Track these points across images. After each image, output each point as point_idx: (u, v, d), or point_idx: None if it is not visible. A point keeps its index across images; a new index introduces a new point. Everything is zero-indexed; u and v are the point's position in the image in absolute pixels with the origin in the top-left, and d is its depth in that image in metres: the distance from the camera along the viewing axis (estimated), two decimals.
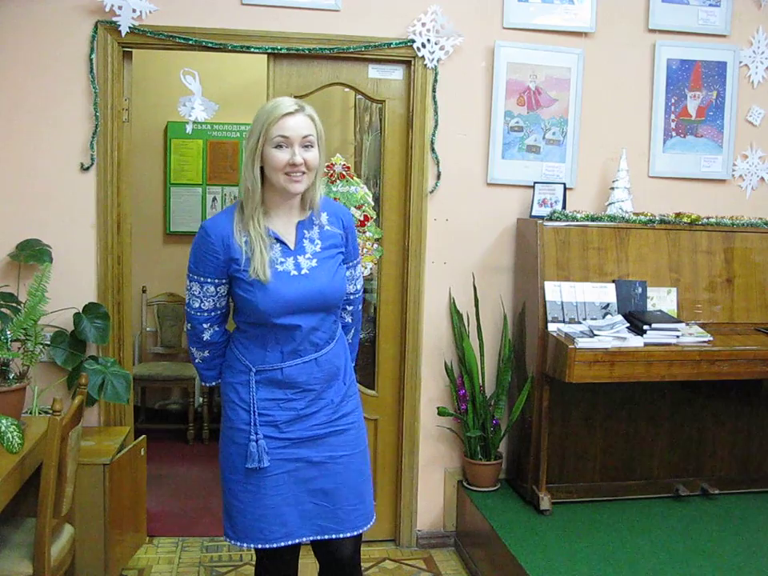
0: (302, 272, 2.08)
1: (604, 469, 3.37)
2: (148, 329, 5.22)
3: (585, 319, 3.11)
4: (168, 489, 4.16)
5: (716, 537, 3.01)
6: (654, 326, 3.01)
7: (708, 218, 3.41)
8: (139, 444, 3.22)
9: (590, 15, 3.47)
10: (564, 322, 3.11)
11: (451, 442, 3.56)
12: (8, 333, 2.68)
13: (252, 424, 2.10)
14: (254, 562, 3.31)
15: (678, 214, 3.37)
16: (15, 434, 2.31)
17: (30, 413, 2.95)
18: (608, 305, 3.17)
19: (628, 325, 3.05)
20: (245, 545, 2.14)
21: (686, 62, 3.59)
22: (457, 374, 3.48)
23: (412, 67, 3.36)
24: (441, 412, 3.41)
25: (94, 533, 2.86)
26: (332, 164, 3.37)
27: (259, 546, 2.13)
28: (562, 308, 3.13)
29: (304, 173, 2.03)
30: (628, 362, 2.95)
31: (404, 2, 3.32)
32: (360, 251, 2.95)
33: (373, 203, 3.43)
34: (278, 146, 2.01)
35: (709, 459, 3.48)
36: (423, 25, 3.31)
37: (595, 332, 2.96)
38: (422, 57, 3.33)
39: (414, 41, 3.31)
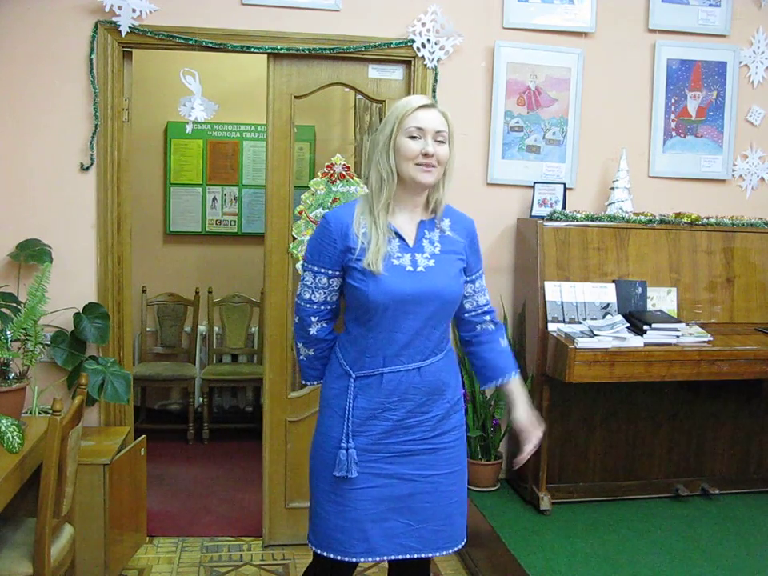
0: (418, 269, 2.03)
1: (604, 469, 3.37)
2: (148, 329, 5.22)
3: (585, 319, 3.11)
4: (168, 489, 4.15)
5: (716, 537, 3.01)
6: (654, 325, 3.01)
7: (708, 218, 3.41)
8: (139, 444, 3.22)
9: (590, 15, 3.47)
10: (564, 321, 3.11)
11: None
12: (8, 333, 2.68)
13: (344, 433, 2.03)
14: (254, 562, 3.33)
15: (677, 214, 3.37)
16: (15, 434, 2.31)
17: (30, 413, 2.95)
18: (608, 305, 3.17)
19: (628, 325, 3.05)
20: (324, 553, 2.07)
21: (686, 62, 3.59)
22: None
23: (412, 67, 3.36)
24: None
25: (94, 533, 2.86)
26: (332, 164, 3.37)
27: (338, 558, 2.05)
28: (562, 308, 3.13)
29: (434, 166, 2.00)
30: (628, 362, 2.95)
31: (404, 2, 3.32)
32: None
33: None
34: (411, 137, 1.99)
35: (709, 459, 3.48)
36: (423, 25, 3.31)
37: (595, 332, 2.96)
38: (422, 57, 3.33)
39: (413, 41, 3.31)
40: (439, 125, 2.01)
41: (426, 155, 1.98)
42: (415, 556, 2.09)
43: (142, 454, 3.24)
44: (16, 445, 2.30)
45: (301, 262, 2.08)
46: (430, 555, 2.11)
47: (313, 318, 2.13)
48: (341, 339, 2.14)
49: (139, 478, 3.22)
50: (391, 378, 2.03)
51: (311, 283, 2.09)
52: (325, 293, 2.09)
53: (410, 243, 2.05)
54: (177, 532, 3.63)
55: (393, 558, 2.09)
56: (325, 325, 2.15)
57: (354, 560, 2.06)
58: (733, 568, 2.75)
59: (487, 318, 2.23)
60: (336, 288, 2.10)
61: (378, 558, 2.08)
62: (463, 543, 2.19)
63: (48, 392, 3.06)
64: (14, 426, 2.32)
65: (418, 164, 1.99)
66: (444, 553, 2.14)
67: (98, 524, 2.86)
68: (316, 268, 2.07)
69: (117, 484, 2.96)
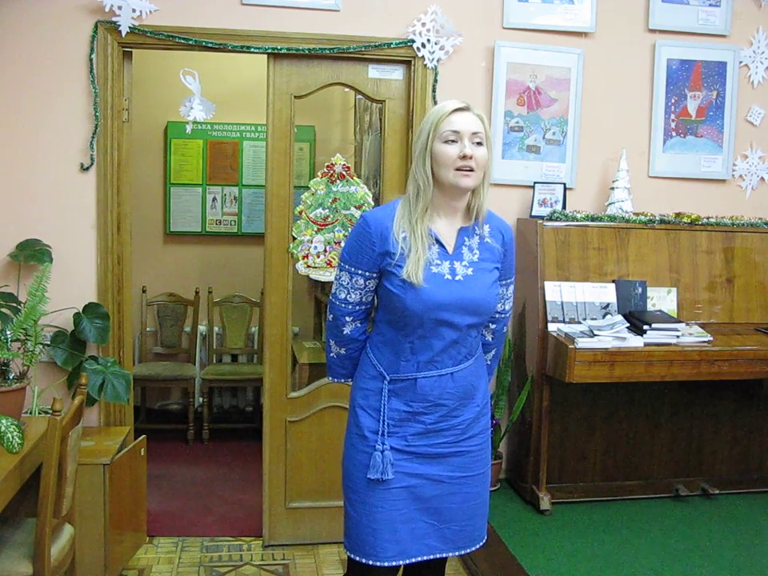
0: (456, 278, 2.01)
1: (604, 469, 3.37)
2: (148, 329, 5.22)
3: (585, 319, 3.11)
4: (168, 489, 4.15)
5: (716, 537, 3.01)
6: (654, 326, 3.02)
7: (708, 218, 3.41)
8: (139, 444, 3.22)
9: (590, 15, 3.47)
10: (564, 322, 3.11)
11: None
12: (8, 333, 2.68)
13: (380, 434, 2.03)
14: (254, 562, 3.33)
15: (677, 214, 3.37)
16: (15, 433, 2.31)
17: (30, 413, 2.95)
18: (608, 305, 3.17)
19: (628, 325, 3.05)
20: (357, 557, 2.06)
21: (685, 62, 3.59)
22: None
23: (412, 67, 3.36)
24: None
25: (94, 533, 2.86)
26: (332, 164, 3.37)
27: (371, 563, 2.04)
28: (562, 308, 3.13)
29: (473, 169, 1.98)
30: (628, 362, 2.95)
31: (404, 2, 3.32)
32: None
33: (373, 203, 3.43)
34: (448, 141, 1.97)
35: (709, 459, 3.48)
36: (423, 25, 3.31)
37: (595, 332, 2.96)
38: (422, 57, 3.33)
39: (413, 41, 3.31)
40: (475, 126, 1.99)
41: (464, 157, 1.95)
42: (438, 556, 2.10)
43: (142, 454, 3.24)
44: (16, 445, 2.30)
45: (336, 261, 2.06)
46: (452, 554, 2.12)
47: (347, 318, 2.12)
48: (373, 340, 2.12)
49: (139, 478, 3.22)
50: (425, 383, 2.03)
51: (347, 283, 2.08)
52: (361, 293, 2.08)
53: (450, 250, 2.03)
54: (177, 532, 3.62)
55: (420, 559, 2.09)
56: (359, 324, 2.14)
57: (387, 564, 2.04)
58: (733, 568, 2.75)
59: (492, 326, 2.23)
60: (372, 289, 2.09)
61: (408, 561, 2.06)
62: (483, 542, 2.21)
63: (48, 392, 3.06)
64: (13, 426, 2.32)
65: (457, 168, 1.96)
66: (464, 552, 2.15)
67: (97, 524, 2.86)
68: (353, 269, 2.05)
69: (117, 484, 2.96)
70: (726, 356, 3.03)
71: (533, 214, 3.38)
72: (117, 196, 3.24)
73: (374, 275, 2.05)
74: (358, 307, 2.11)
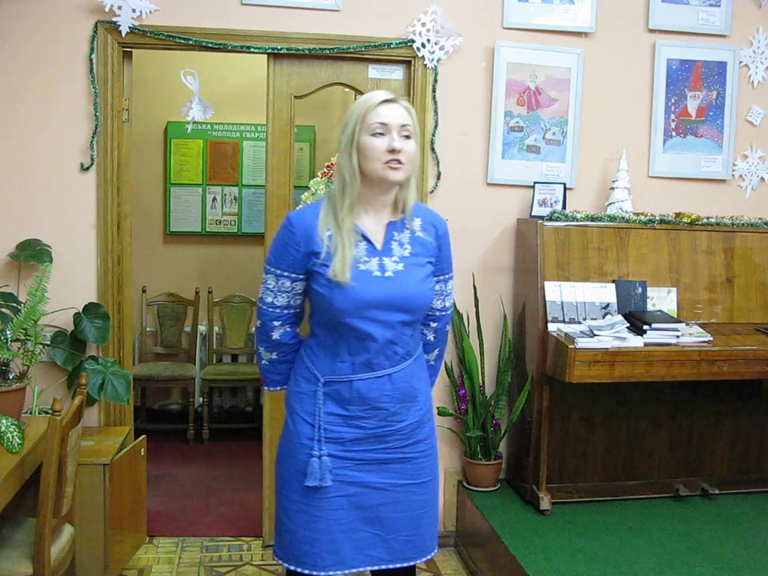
0: (386, 274, 1.95)
1: (604, 469, 3.37)
2: (148, 329, 5.22)
3: (585, 319, 3.11)
4: (168, 489, 4.16)
5: (716, 537, 3.01)
6: (654, 326, 3.01)
7: (708, 218, 3.41)
8: (139, 444, 3.22)
9: (590, 15, 3.47)
10: (564, 322, 3.11)
11: (451, 442, 3.56)
12: (8, 333, 2.68)
13: (316, 439, 1.97)
14: (254, 562, 3.33)
15: (677, 214, 3.37)
16: (15, 434, 2.31)
17: (30, 413, 2.95)
18: (608, 305, 3.17)
19: (628, 325, 3.05)
20: (292, 567, 2.01)
21: (685, 62, 3.59)
22: (457, 374, 3.48)
23: (412, 67, 3.36)
24: (441, 412, 3.40)
25: (94, 533, 2.86)
26: (332, 164, 3.37)
27: (307, 572, 1.99)
28: (562, 308, 3.13)
29: (403, 163, 1.92)
30: (628, 362, 2.95)
31: (404, 2, 3.32)
32: None
33: None
34: (375, 134, 1.91)
35: (709, 459, 3.48)
36: (423, 25, 3.31)
37: (595, 332, 2.96)
38: (422, 57, 3.33)
39: (413, 41, 3.31)
40: (404, 119, 1.93)
41: (393, 151, 1.90)
42: (383, 567, 2.03)
43: (142, 454, 3.24)
44: (16, 445, 2.30)
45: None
46: (398, 566, 2.05)
47: (276, 323, 2.05)
48: (307, 342, 2.07)
49: (139, 478, 3.22)
50: (361, 385, 1.97)
51: (274, 286, 2.02)
52: (288, 296, 2.02)
53: (378, 246, 1.98)
54: (177, 532, 3.63)
55: (362, 569, 2.03)
56: (288, 329, 2.08)
57: (323, 573, 1.99)
58: (733, 568, 2.75)
59: (433, 324, 2.18)
60: (300, 291, 2.03)
61: (347, 571, 2.01)
62: (434, 553, 2.12)
63: (48, 392, 3.06)
64: (13, 426, 2.32)
65: (385, 162, 1.91)
66: (413, 563, 2.07)
67: (97, 524, 2.86)
68: (279, 271, 2.00)
69: (117, 484, 2.96)
70: (725, 356, 3.03)
71: (533, 213, 3.37)
72: (117, 196, 3.24)
73: (301, 276, 2.00)
74: (286, 311, 2.04)
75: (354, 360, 1.98)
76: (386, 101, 1.93)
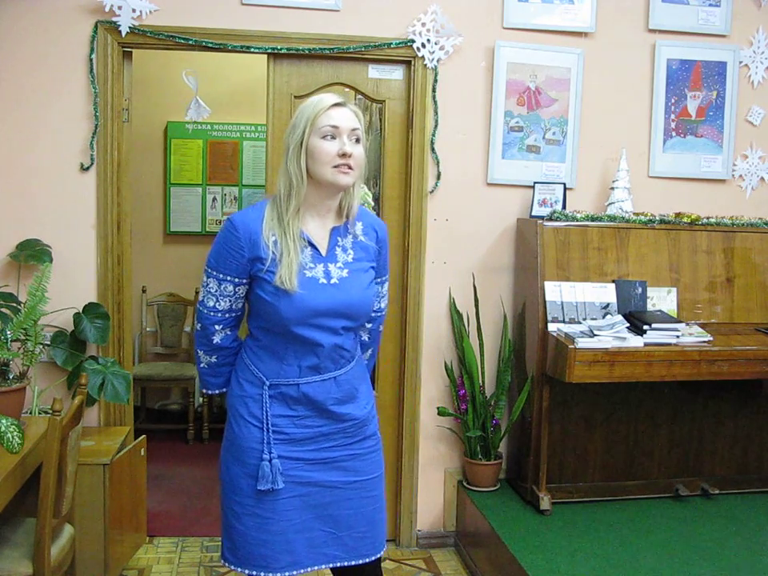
0: (332, 281, 1.95)
1: (604, 469, 3.37)
2: (148, 329, 5.22)
3: (585, 319, 3.11)
4: (168, 489, 4.16)
5: (716, 537, 3.01)
6: (654, 325, 3.01)
7: (708, 218, 3.41)
8: (139, 444, 3.22)
9: (590, 15, 3.47)
10: (564, 321, 3.11)
11: (451, 442, 3.56)
12: (8, 333, 2.68)
13: (265, 442, 1.96)
14: None
15: (677, 214, 3.37)
16: (15, 434, 2.31)
17: (30, 413, 2.95)
18: (608, 305, 3.17)
19: (628, 325, 3.05)
20: (246, 571, 2.00)
21: (685, 62, 3.59)
22: (457, 374, 3.48)
23: (412, 67, 3.36)
24: (441, 412, 3.41)
25: (94, 533, 2.86)
26: None
27: (262, 574, 1.99)
28: (562, 308, 3.13)
29: (352, 168, 1.91)
30: (628, 361, 2.95)
31: (404, 2, 3.32)
32: None
33: (373, 203, 3.43)
34: (326, 137, 1.89)
35: (709, 459, 3.48)
36: (423, 25, 3.31)
37: (595, 332, 2.96)
38: (422, 57, 3.33)
39: (413, 41, 3.31)
40: (354, 122, 1.92)
41: (344, 155, 1.88)
42: (338, 565, 2.04)
43: (142, 454, 3.24)
44: (16, 445, 2.30)
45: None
46: (354, 563, 2.06)
47: (217, 327, 2.03)
48: (249, 345, 2.05)
49: (139, 478, 3.22)
50: (307, 389, 1.98)
51: (216, 291, 1.98)
52: (230, 300, 1.99)
53: (323, 252, 1.97)
54: (177, 532, 3.63)
55: (317, 568, 2.04)
56: (229, 332, 2.06)
57: (279, 575, 1.99)
58: (733, 568, 2.75)
59: (368, 325, 2.19)
60: (242, 296, 2.00)
61: (302, 571, 2.02)
62: (384, 550, 2.14)
63: (48, 392, 3.06)
64: (13, 426, 2.32)
65: (335, 166, 1.89)
66: (367, 560, 2.08)
67: (97, 524, 2.86)
68: (221, 275, 1.96)
69: (117, 484, 2.96)
70: (726, 356, 3.03)
71: (533, 213, 3.37)
72: (117, 196, 3.24)
73: (244, 281, 1.97)
74: (228, 315, 2.02)
75: (300, 363, 1.98)
76: (336, 104, 1.92)
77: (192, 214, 5.35)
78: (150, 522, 3.52)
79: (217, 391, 2.17)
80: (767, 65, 3.65)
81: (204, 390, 2.19)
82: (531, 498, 3.23)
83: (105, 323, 3.09)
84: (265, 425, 1.97)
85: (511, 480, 3.48)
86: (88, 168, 3.19)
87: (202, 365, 2.12)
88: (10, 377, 2.63)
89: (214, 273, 1.98)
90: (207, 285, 2.00)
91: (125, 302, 3.34)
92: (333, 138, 1.90)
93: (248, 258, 1.93)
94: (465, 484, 3.46)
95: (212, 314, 2.02)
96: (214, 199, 5.36)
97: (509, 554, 2.84)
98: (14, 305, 2.93)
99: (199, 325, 2.06)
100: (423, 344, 3.48)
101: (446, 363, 3.49)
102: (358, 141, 1.94)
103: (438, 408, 3.43)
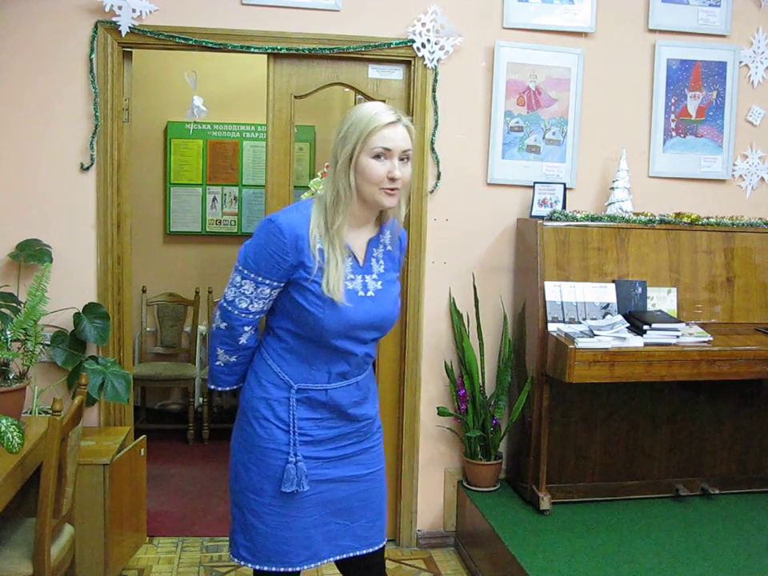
0: (368, 293, 1.95)
1: (604, 469, 3.37)
2: (148, 329, 5.22)
3: (585, 319, 3.11)
4: (168, 489, 4.16)
5: (716, 537, 3.01)
6: (654, 326, 3.01)
7: (708, 218, 3.41)
8: (139, 444, 3.22)
9: (590, 15, 3.47)
10: (564, 321, 3.11)
11: (451, 442, 3.56)
12: (8, 333, 2.68)
13: (291, 444, 1.96)
14: None
15: (677, 214, 3.37)
16: (15, 434, 2.30)
17: (30, 413, 2.95)
18: (608, 305, 3.17)
19: (628, 325, 3.05)
20: (265, 567, 2.01)
21: (685, 61, 3.59)
22: (457, 374, 3.48)
23: (412, 67, 3.36)
24: (441, 412, 3.41)
25: (94, 533, 2.86)
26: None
27: (282, 570, 2.01)
28: (562, 308, 3.13)
29: (398, 188, 1.89)
30: (628, 362, 2.95)
31: (404, 2, 3.32)
32: None
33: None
34: (377, 157, 1.86)
35: (709, 459, 3.48)
36: (423, 25, 3.31)
37: (595, 332, 2.96)
38: (422, 57, 3.33)
39: (413, 41, 3.31)
40: (405, 143, 1.89)
41: (392, 179, 1.87)
42: (351, 555, 2.08)
43: (142, 454, 3.24)
44: (16, 445, 2.29)
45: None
46: (365, 551, 2.10)
47: (246, 328, 1.99)
48: (272, 346, 2.02)
49: (139, 478, 3.22)
50: (335, 394, 2.00)
51: (251, 293, 1.93)
52: (264, 303, 1.96)
53: (361, 263, 1.98)
54: (177, 532, 3.63)
55: (332, 559, 2.08)
56: (254, 332, 2.04)
57: (298, 569, 2.02)
58: (733, 568, 2.75)
59: None
60: (275, 298, 1.97)
61: (319, 563, 2.05)
62: (386, 538, 2.20)
63: (48, 392, 3.06)
64: (13, 426, 2.31)
65: (382, 187, 1.88)
66: (376, 548, 2.13)
67: (98, 524, 2.86)
68: (260, 278, 1.91)
69: (117, 484, 2.96)
70: (726, 356, 3.03)
71: (533, 213, 3.37)
72: (117, 196, 3.24)
73: (282, 285, 1.93)
74: (258, 316, 1.99)
75: (330, 369, 1.99)
76: (390, 123, 1.88)
77: (192, 213, 5.35)
78: (150, 522, 3.52)
79: (228, 388, 2.15)
80: (767, 65, 3.65)
81: (213, 387, 2.16)
82: (531, 498, 3.23)
83: (105, 323, 3.09)
84: (291, 428, 1.97)
85: (511, 480, 3.48)
86: (88, 168, 3.19)
87: (217, 363, 2.09)
88: (10, 377, 2.63)
89: (252, 275, 1.92)
90: (241, 286, 1.94)
91: (125, 302, 3.35)
92: (384, 158, 1.88)
93: (291, 263, 1.89)
94: (465, 484, 3.46)
95: (243, 315, 1.97)
96: (214, 199, 5.36)
97: (509, 554, 2.84)
98: (14, 305, 2.93)
99: (224, 324, 2.00)
100: (423, 344, 3.48)
101: (446, 363, 3.49)
102: (407, 160, 1.91)
103: (437, 408, 3.43)
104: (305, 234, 1.89)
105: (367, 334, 1.99)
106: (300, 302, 1.92)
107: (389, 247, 2.04)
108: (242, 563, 2.04)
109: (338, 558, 2.09)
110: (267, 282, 1.91)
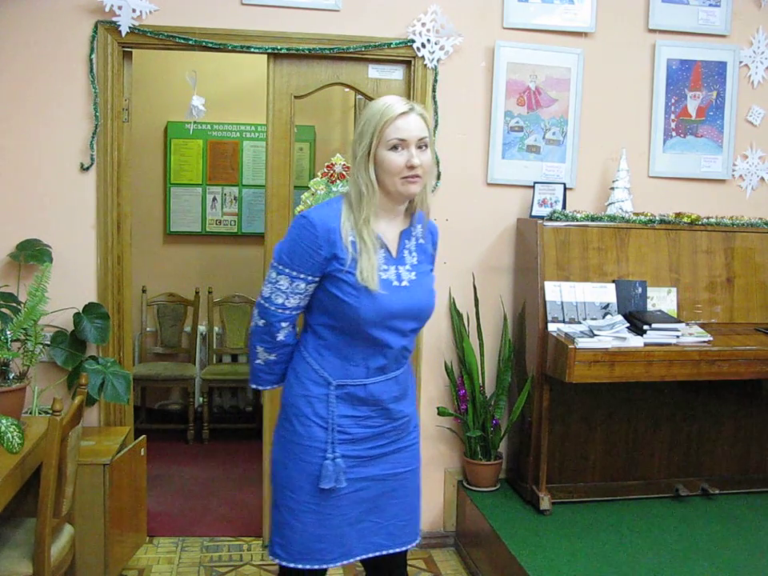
0: (402, 284, 1.97)
1: (604, 469, 3.37)
2: (148, 329, 5.22)
3: (585, 319, 3.11)
4: (168, 489, 4.16)
5: (716, 537, 3.01)
6: (654, 325, 3.01)
7: (708, 218, 3.41)
8: (139, 444, 3.22)
9: (590, 15, 3.47)
10: (564, 322, 3.11)
11: (451, 442, 3.56)
12: (8, 333, 2.68)
13: (329, 442, 1.97)
14: (254, 562, 3.34)
15: (677, 214, 3.37)
16: (15, 434, 2.30)
17: (30, 413, 2.95)
18: (608, 305, 3.17)
19: (628, 325, 3.05)
20: (300, 565, 2.01)
21: (685, 62, 3.59)
22: (457, 374, 3.48)
23: (412, 67, 3.36)
24: (441, 412, 3.41)
25: (94, 533, 2.86)
26: (332, 164, 3.37)
27: (316, 567, 2.01)
28: (562, 308, 3.13)
29: (420, 176, 1.92)
30: (628, 362, 2.95)
31: (404, 2, 3.32)
32: None
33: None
34: (394, 148, 1.89)
35: (709, 459, 3.48)
36: (423, 25, 3.31)
37: (595, 332, 2.96)
38: (422, 57, 3.33)
39: (413, 41, 3.31)
40: (420, 131, 1.91)
41: (411, 167, 1.89)
42: (383, 552, 2.09)
43: (142, 454, 3.24)
44: (16, 445, 2.29)
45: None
46: (397, 550, 2.10)
47: (283, 324, 2.01)
48: (311, 343, 2.03)
49: (139, 478, 3.22)
50: (373, 388, 2.00)
51: (287, 288, 1.96)
52: (300, 298, 1.98)
53: (394, 254, 1.99)
54: (177, 532, 3.63)
55: (364, 556, 2.08)
56: (292, 329, 2.05)
57: (331, 566, 2.03)
58: (733, 568, 2.75)
59: None
60: (311, 293, 1.99)
61: (351, 560, 2.06)
62: (420, 538, 2.20)
63: (48, 392, 3.06)
64: (13, 426, 2.31)
65: (403, 177, 1.90)
66: (408, 547, 2.13)
67: (98, 524, 2.86)
68: (294, 273, 1.94)
69: (117, 484, 2.96)
70: (726, 356, 3.03)
71: (533, 213, 3.37)
72: (117, 196, 3.25)
73: (317, 279, 1.95)
74: (295, 312, 2.01)
75: (368, 364, 1.99)
76: (403, 113, 1.90)
77: (192, 214, 5.35)
78: (150, 522, 3.52)
79: (269, 387, 2.16)
80: (767, 65, 3.65)
81: (255, 386, 2.17)
82: (531, 498, 3.23)
83: (105, 323, 3.09)
84: (330, 425, 1.98)
85: (511, 480, 3.48)
86: (88, 168, 3.19)
87: (257, 361, 2.10)
88: (10, 377, 2.63)
89: (287, 270, 1.95)
90: (277, 282, 1.97)
91: (125, 302, 3.35)
92: (401, 148, 1.90)
93: (325, 256, 1.92)
94: (465, 484, 3.46)
95: (279, 311, 1.99)
96: (214, 199, 5.36)
97: (509, 554, 2.84)
98: (14, 305, 2.93)
99: (262, 321, 2.03)
100: (423, 344, 3.48)
101: (446, 363, 3.49)
102: (425, 147, 1.93)
103: (437, 408, 3.43)
104: (336, 227, 1.92)
105: (405, 324, 1.98)
106: (336, 293, 1.94)
107: (421, 240, 2.06)
108: (277, 561, 2.05)
109: (369, 555, 2.09)
110: (302, 276, 1.94)
